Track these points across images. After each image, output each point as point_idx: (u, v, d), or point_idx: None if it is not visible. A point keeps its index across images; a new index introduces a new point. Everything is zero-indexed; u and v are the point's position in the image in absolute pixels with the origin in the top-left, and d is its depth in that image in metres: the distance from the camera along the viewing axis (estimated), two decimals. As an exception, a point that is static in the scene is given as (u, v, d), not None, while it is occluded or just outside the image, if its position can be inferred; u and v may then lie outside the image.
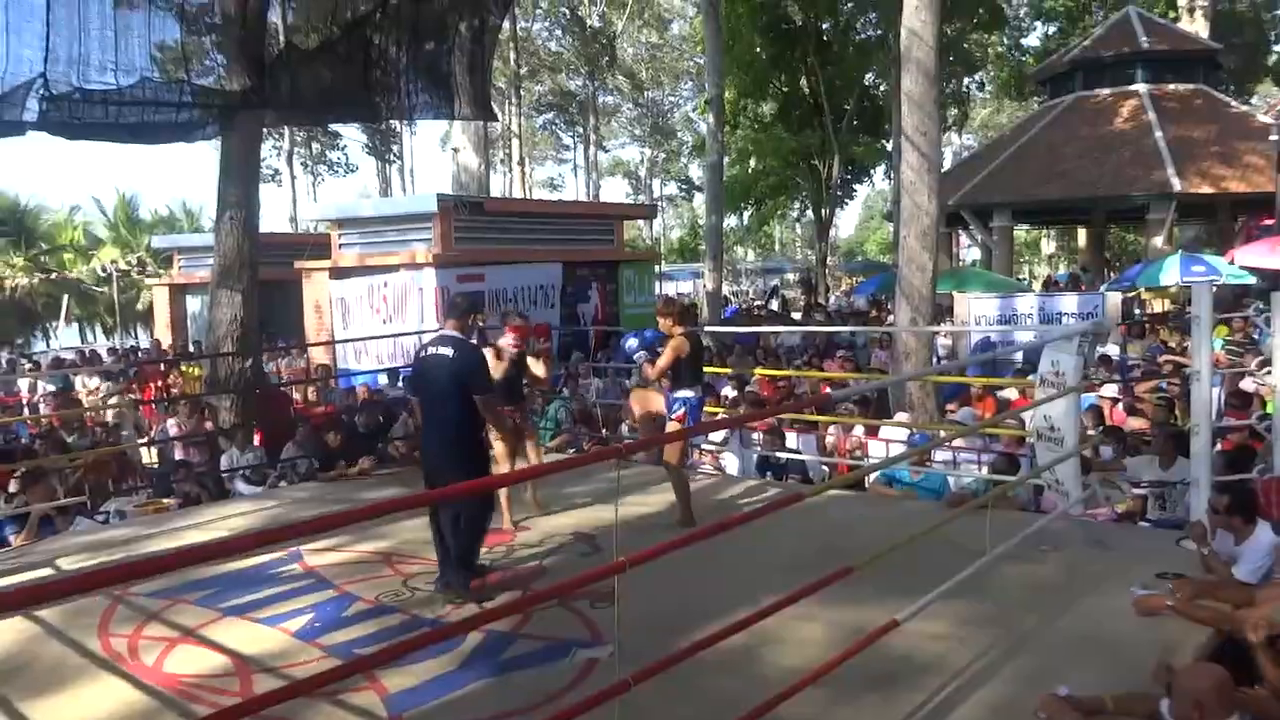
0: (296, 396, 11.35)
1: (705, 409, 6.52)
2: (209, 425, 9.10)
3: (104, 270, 30.60)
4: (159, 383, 13.61)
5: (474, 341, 5.09)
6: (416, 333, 12.19)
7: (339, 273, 14.15)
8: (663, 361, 5.73)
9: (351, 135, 39.85)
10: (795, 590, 3.22)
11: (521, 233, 14.95)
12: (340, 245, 14.60)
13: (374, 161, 42.38)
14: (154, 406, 11.70)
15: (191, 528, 6.30)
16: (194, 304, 19.63)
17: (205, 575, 5.11)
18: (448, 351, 4.86)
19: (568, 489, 6.69)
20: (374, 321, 13.22)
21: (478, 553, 4.98)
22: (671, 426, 5.82)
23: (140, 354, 19.30)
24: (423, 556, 5.45)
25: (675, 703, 3.40)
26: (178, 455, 8.95)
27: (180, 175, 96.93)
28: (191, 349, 17.28)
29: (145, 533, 6.25)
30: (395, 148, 42.09)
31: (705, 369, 6.74)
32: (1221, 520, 4.59)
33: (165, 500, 7.34)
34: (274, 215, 37.90)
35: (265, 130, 15.05)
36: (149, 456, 9.85)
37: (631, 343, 6.03)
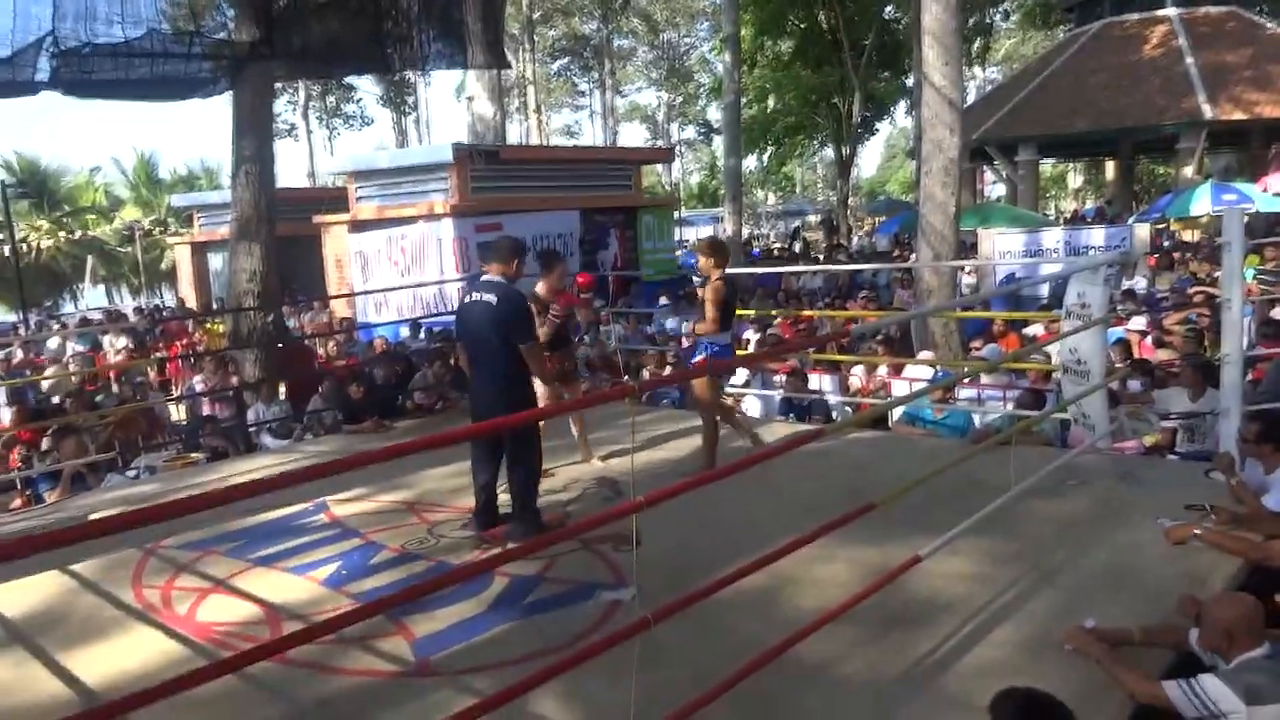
0: (320, 350, 11.41)
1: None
2: (234, 380, 9.18)
3: (127, 230, 30.79)
4: (184, 340, 13.73)
5: (517, 287, 4.89)
6: (436, 283, 12.23)
7: (357, 226, 14.14)
8: (711, 313, 5.58)
9: (366, 88, 39.58)
10: (816, 529, 3.20)
11: (538, 180, 14.84)
12: (358, 198, 14.57)
13: (389, 113, 42.14)
14: (180, 363, 11.81)
15: (219, 480, 6.37)
16: (216, 261, 19.74)
17: (234, 528, 5.18)
18: (490, 298, 4.74)
19: (591, 435, 6.69)
20: (393, 273, 13.24)
21: (535, 495, 4.93)
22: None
23: (165, 312, 19.48)
24: (447, 504, 5.49)
25: (696, 642, 3.41)
26: (204, 411, 9.05)
27: (198, 134, 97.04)
28: (215, 305, 17.41)
29: (174, 486, 6.33)
30: (410, 99, 41.78)
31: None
32: (1252, 449, 4.52)
33: (193, 455, 7.43)
34: (291, 170, 38.01)
35: (280, 85, 14.92)
36: (177, 413, 9.98)
37: (670, 322, 5.97)
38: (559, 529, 4.39)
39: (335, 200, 16.23)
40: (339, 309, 14.07)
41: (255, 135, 9.54)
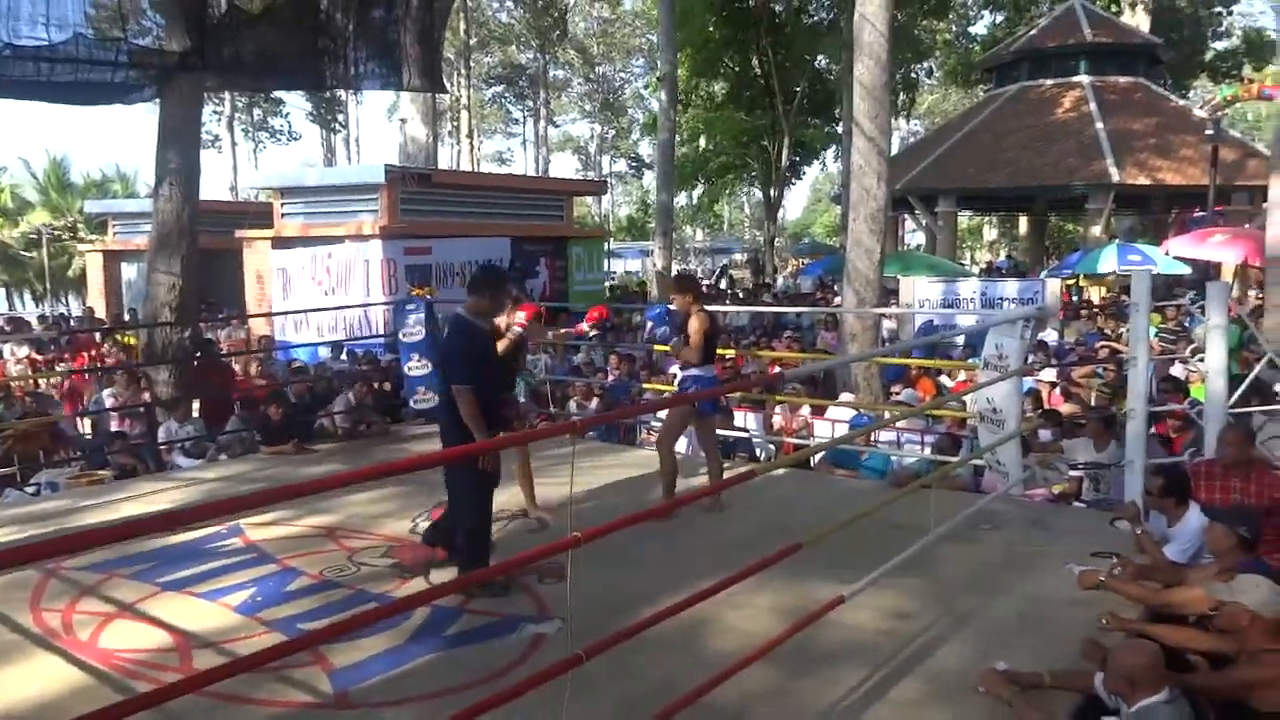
0: (236, 368, 11.11)
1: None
2: (146, 396, 8.87)
3: (34, 234, 29.54)
4: (92, 352, 13.21)
5: (478, 323, 4.52)
6: (361, 305, 12.04)
7: (281, 242, 13.86)
8: (695, 341, 5.52)
9: (295, 102, 39.01)
10: (744, 568, 3.25)
11: (470, 206, 14.78)
12: (283, 214, 14.29)
13: (318, 130, 41.53)
14: (87, 376, 11.35)
15: (128, 500, 6.14)
16: (129, 271, 19.09)
17: (141, 549, 4.99)
18: (446, 330, 4.64)
19: (516, 464, 6.65)
20: (316, 293, 12.99)
21: (481, 541, 4.52)
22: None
23: (72, 322, 18.72)
24: (369, 531, 5.39)
25: (623, 679, 3.41)
26: (113, 426, 8.71)
27: (114, 138, 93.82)
28: (127, 317, 16.81)
29: (79, 505, 6.08)
30: (341, 116, 41.26)
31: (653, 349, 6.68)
32: (1155, 502, 4.73)
33: (100, 472, 7.15)
34: (214, 182, 36.98)
35: (205, 95, 14.61)
36: (82, 428, 9.57)
37: (661, 330, 5.87)
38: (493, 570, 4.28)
39: (258, 215, 15.89)
40: (258, 327, 13.73)
41: (181, 145, 9.30)
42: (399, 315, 8.42)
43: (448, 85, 27.28)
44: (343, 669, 3.64)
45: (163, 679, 3.56)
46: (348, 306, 12.20)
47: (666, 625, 3.11)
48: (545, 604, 4.25)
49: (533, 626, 4.01)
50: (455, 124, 40.32)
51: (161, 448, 7.84)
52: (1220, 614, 3.45)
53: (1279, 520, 4.66)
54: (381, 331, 11.13)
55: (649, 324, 6.04)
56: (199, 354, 9.25)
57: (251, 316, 13.79)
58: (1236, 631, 3.41)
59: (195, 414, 8.58)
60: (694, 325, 5.53)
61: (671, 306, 5.77)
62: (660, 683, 3.38)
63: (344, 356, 11.09)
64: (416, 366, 8.28)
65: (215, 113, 34.97)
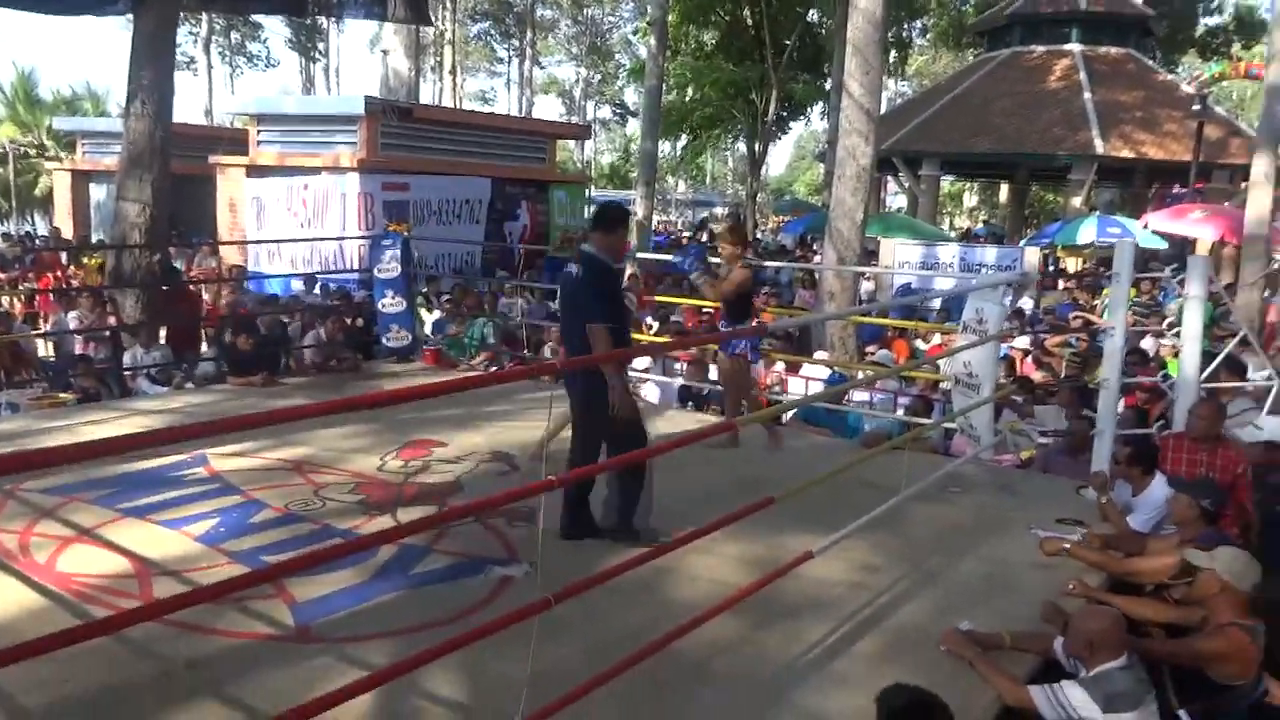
0: (206, 297, 10.92)
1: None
2: (112, 320, 8.69)
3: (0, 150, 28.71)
4: (58, 272, 12.93)
5: (609, 261, 4.38)
6: (337, 239, 11.84)
7: (256, 170, 13.55)
8: (727, 286, 5.60)
9: (275, 28, 37.98)
10: (715, 520, 3.24)
11: (451, 144, 14.51)
12: (259, 142, 13.96)
13: (297, 57, 40.55)
14: (51, 297, 11.12)
15: (90, 424, 6.03)
16: (98, 192, 18.63)
17: (103, 475, 4.91)
18: (574, 270, 4.33)
19: (487, 406, 6.61)
20: (291, 224, 12.76)
21: (636, 495, 4.35)
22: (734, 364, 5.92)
23: (38, 241, 18.30)
24: (336, 467, 5.34)
25: (588, 622, 3.40)
26: (77, 350, 8.54)
27: (86, 54, 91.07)
28: (95, 239, 16.45)
29: (39, 426, 5.97)
30: (321, 44, 40.27)
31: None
32: (1122, 470, 4.78)
33: (62, 395, 7.02)
34: (188, 105, 36.08)
35: (182, 14, 14.14)
36: (45, 349, 9.39)
37: (690, 262, 5.89)
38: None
39: (233, 141, 15.51)
40: (230, 256, 13.48)
41: (155, 64, 9.02)
42: (375, 251, 8.29)
43: (433, 19, 26.64)
44: (305, 602, 3.60)
45: (121, 605, 3.51)
46: (323, 239, 12.01)
47: (634, 574, 3.09)
48: (513, 547, 4.23)
49: (500, 569, 4.00)
50: (438, 59, 39.53)
51: (126, 373, 7.70)
52: (1195, 580, 3.49)
53: (1239, 495, 4.74)
54: (356, 266, 10.96)
55: (689, 258, 6.03)
56: (167, 281, 9.07)
57: (224, 244, 13.52)
58: (1205, 598, 3.46)
59: (162, 341, 8.43)
60: (736, 277, 5.65)
61: (720, 255, 5.86)
62: (627, 629, 3.38)
63: (317, 290, 10.92)
64: (390, 303, 8.18)
65: (191, 33, 34.00)
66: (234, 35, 38.90)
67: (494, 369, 8.58)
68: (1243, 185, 16.83)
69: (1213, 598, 3.44)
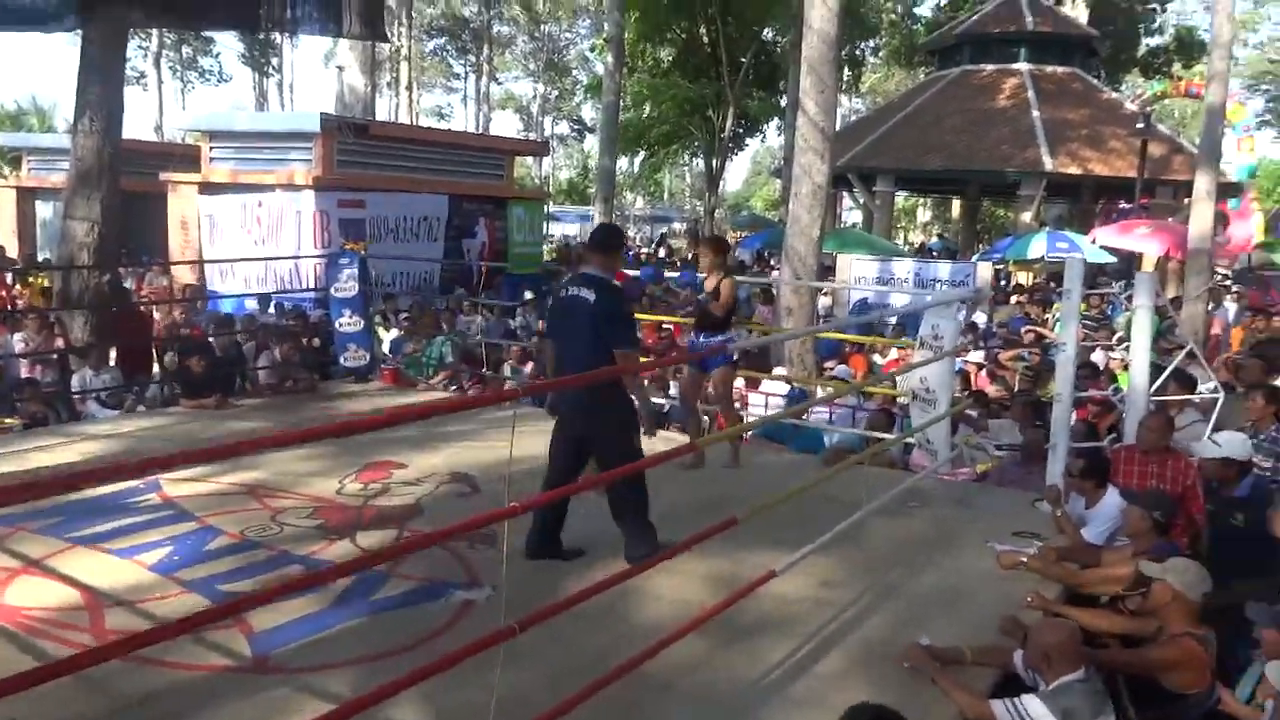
0: (158, 317, 10.71)
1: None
2: (59, 342, 8.49)
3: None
4: (2, 293, 12.62)
5: (617, 283, 4.38)
6: (293, 257, 11.69)
7: (209, 188, 13.34)
8: (726, 298, 5.81)
9: (227, 42, 37.56)
10: (679, 543, 3.24)
11: (408, 160, 14.41)
12: (211, 159, 13.75)
13: (250, 72, 40.10)
14: (-5, 319, 10.84)
15: (37, 450, 5.88)
16: (44, 210, 18.22)
17: (49, 503, 4.77)
18: (588, 295, 4.17)
19: (446, 427, 6.55)
20: (246, 242, 12.57)
21: (646, 512, 4.28)
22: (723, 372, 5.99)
23: (-20, 261, 17.80)
24: (292, 490, 5.26)
25: (552, 647, 3.38)
26: (23, 373, 8.32)
27: (31, 69, 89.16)
28: (41, 259, 16.09)
29: (-16, 454, 5.80)
30: (275, 60, 39.89)
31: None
32: (1075, 483, 4.86)
33: (8, 420, 6.83)
34: (138, 121, 35.46)
35: (131, 29, 13.92)
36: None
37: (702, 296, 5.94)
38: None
39: (184, 158, 15.27)
40: (182, 275, 13.25)
41: (104, 79, 8.87)
42: (331, 270, 8.21)
43: (389, 34, 26.52)
44: (263, 632, 3.54)
45: (72, 639, 3.42)
46: (279, 258, 11.85)
47: (598, 597, 3.08)
48: (475, 570, 4.20)
49: (461, 593, 3.96)
50: (394, 75, 39.32)
51: (75, 396, 7.53)
52: (1149, 591, 3.56)
53: (1189, 506, 4.84)
54: (312, 285, 10.83)
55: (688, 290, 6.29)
56: (117, 301, 8.90)
57: (176, 264, 13.28)
58: (1158, 609, 3.53)
59: (112, 363, 8.25)
60: (726, 288, 5.83)
61: (701, 267, 6.02)
62: (593, 652, 3.36)
63: (271, 310, 10.78)
64: (348, 323, 8.10)
65: (141, 48, 33.50)
66: (185, 50, 38.40)
67: (453, 388, 8.52)
68: (1185, 201, 17.29)
69: (1165, 608, 3.52)
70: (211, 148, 13.79)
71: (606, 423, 4.19)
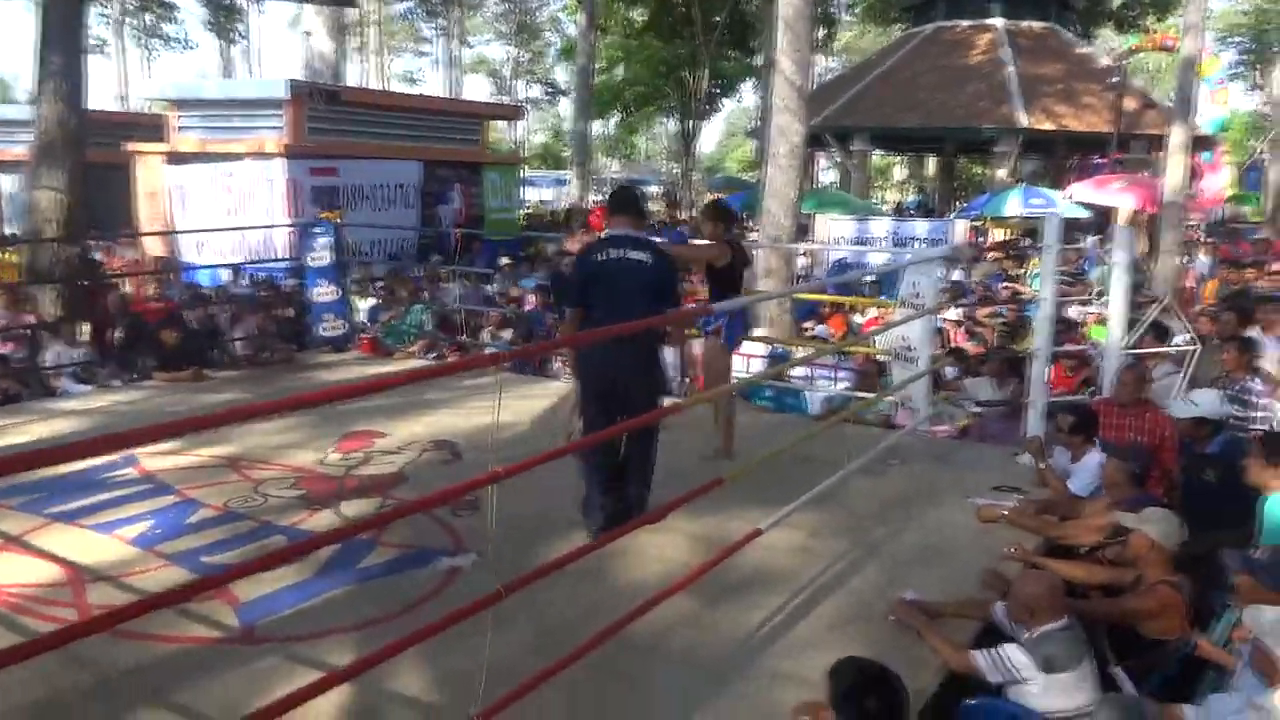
0: (129, 289, 10.55)
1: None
2: (30, 317, 8.36)
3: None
4: (-32, 268, 12.37)
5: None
6: (266, 227, 11.53)
7: (177, 158, 13.10)
8: (687, 251, 5.21)
9: (190, 8, 36.73)
10: (666, 504, 3.25)
11: (380, 126, 14.21)
12: (179, 128, 13.49)
13: (215, 39, 39.26)
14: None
15: (10, 425, 5.81)
16: (7, 183, 17.85)
17: (27, 479, 4.72)
18: (642, 257, 4.00)
19: (426, 394, 6.52)
20: (217, 212, 12.38)
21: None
22: (709, 343, 5.42)
23: (-56, 236, 17.45)
24: (273, 461, 5.23)
25: (540, 609, 3.40)
26: (-7, 349, 8.19)
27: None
28: (4, 233, 15.78)
29: (-44, 431, 5.72)
30: (240, 26, 39.06)
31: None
32: (1064, 438, 4.89)
33: (-21, 397, 6.73)
34: (101, 91, 34.69)
35: (91, -6, 13.58)
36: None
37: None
38: None
39: (150, 127, 14.97)
40: (153, 247, 13.04)
41: (65, 48, 8.65)
42: (306, 239, 8.11)
43: (355, -2, 26.01)
44: (249, 602, 3.53)
45: (55, 614, 3.40)
46: (251, 228, 11.68)
47: (585, 558, 3.09)
48: (460, 536, 4.20)
49: (447, 559, 3.96)
50: (363, 40, 38.69)
51: (48, 372, 7.42)
52: (1126, 541, 3.62)
53: (1165, 458, 4.91)
54: (286, 255, 10.70)
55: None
56: (87, 274, 8.75)
57: (146, 235, 13.07)
58: (1136, 558, 3.59)
59: (84, 337, 8.13)
60: (710, 251, 5.22)
61: (705, 235, 5.48)
62: (579, 614, 3.38)
63: (245, 280, 10.65)
64: (324, 292, 8.02)
65: (102, 15, 32.69)
66: (147, 17, 37.50)
67: (432, 356, 8.47)
68: (1158, 155, 17.37)
69: (1143, 557, 3.57)
70: (179, 117, 13.53)
71: (658, 390, 4.07)
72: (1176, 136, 11.84)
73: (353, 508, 4.59)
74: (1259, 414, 5.41)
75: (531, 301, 10.29)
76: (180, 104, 13.65)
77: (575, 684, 2.88)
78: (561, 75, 45.38)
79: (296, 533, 4.25)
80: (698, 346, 8.43)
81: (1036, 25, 24.01)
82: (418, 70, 52.58)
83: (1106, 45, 30.04)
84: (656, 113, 32.52)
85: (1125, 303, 5.55)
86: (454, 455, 5.43)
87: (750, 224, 20.54)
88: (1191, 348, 5.86)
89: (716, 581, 3.58)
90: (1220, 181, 17.46)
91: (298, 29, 20.60)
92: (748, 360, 8.16)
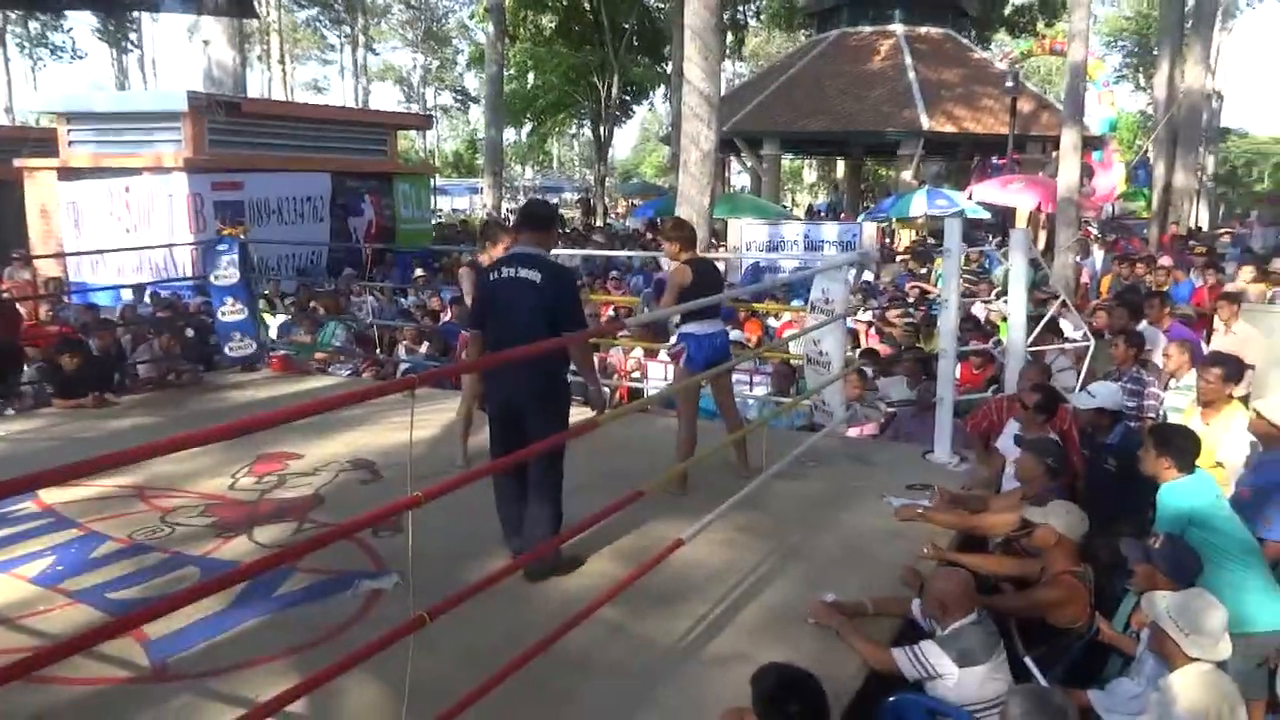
0: (23, 311, 10.08)
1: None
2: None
3: None
4: None
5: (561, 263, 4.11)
6: (167, 245, 11.17)
7: (69, 173, 12.60)
8: (666, 298, 4.90)
9: (80, 16, 35.27)
10: (588, 517, 3.26)
11: (285, 138, 13.91)
12: (70, 143, 12.99)
13: (107, 48, 37.82)
14: None
15: (-104, 463, 5.50)
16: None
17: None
18: (532, 275, 3.85)
19: (343, 414, 6.39)
20: (115, 229, 11.94)
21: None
22: (671, 370, 5.26)
23: None
24: (181, 489, 5.06)
25: (463, 629, 3.36)
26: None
27: None
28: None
29: None
30: (133, 34, 37.70)
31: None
32: (1026, 415, 4.88)
33: None
34: (-18, 103, 33.08)
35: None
36: None
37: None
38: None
39: (40, 142, 14.36)
40: (46, 267, 12.50)
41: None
42: (210, 256, 7.88)
43: (257, 6, 25.36)
44: (160, 638, 3.40)
45: (-51, 662, 3.23)
46: (152, 247, 11.30)
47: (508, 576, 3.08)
48: (380, 558, 4.13)
49: (368, 582, 3.89)
50: (265, 48, 37.75)
51: (-63, 403, 7.05)
52: (1034, 534, 3.76)
53: (1069, 447, 5.10)
54: (190, 273, 10.38)
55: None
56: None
57: (39, 257, 12.51)
58: (1043, 551, 3.73)
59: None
60: (669, 281, 4.95)
61: (667, 254, 5.18)
62: (504, 632, 3.36)
63: (147, 299, 10.29)
64: (231, 311, 7.80)
65: (-18, 24, 31.22)
66: (33, 25, 35.92)
67: (347, 372, 8.31)
68: (1054, 155, 18.09)
69: (1049, 550, 3.72)
70: (70, 130, 13.03)
71: (556, 411, 3.96)
72: (1068, 137, 12.34)
73: (268, 533, 4.47)
74: (1148, 402, 5.70)
75: (450, 313, 10.18)
76: (70, 117, 13.15)
77: (501, 704, 2.86)
78: (472, 83, 45.08)
79: (209, 563, 4.13)
80: (614, 356, 8.48)
81: (935, 31, 24.83)
82: (324, 78, 51.64)
83: (1001, 50, 31.12)
84: (569, 119, 32.51)
85: (1024, 303, 5.76)
86: (372, 475, 5.34)
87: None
88: (1086, 343, 6.11)
89: (643, 593, 3.60)
90: (1113, 179, 18.29)
91: (196, 36, 19.98)
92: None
